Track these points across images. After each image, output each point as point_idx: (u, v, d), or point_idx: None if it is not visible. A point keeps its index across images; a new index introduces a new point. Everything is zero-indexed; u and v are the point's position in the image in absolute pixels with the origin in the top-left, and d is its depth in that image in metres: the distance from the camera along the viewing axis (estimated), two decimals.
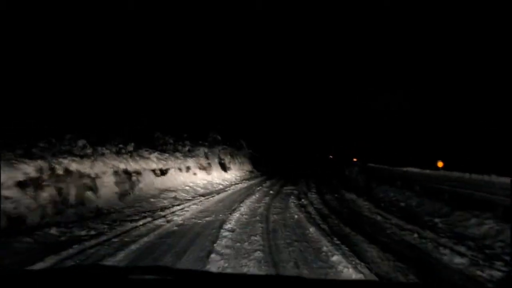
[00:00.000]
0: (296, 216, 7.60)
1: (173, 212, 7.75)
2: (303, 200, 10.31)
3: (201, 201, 9.89)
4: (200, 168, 16.01)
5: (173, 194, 10.96)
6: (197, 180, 14.70)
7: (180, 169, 13.87)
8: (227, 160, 21.84)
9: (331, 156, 35.59)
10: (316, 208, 8.87)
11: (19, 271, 3.18)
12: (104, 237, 5.34)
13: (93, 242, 5.09)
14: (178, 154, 14.55)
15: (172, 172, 13.11)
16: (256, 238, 5.43)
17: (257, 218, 7.21)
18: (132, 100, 16.62)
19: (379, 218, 7.66)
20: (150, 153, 12.26)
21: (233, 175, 20.58)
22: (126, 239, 5.29)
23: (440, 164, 16.42)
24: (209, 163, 17.56)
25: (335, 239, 5.48)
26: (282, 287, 1.57)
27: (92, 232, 5.67)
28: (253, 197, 10.64)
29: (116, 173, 9.82)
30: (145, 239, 5.31)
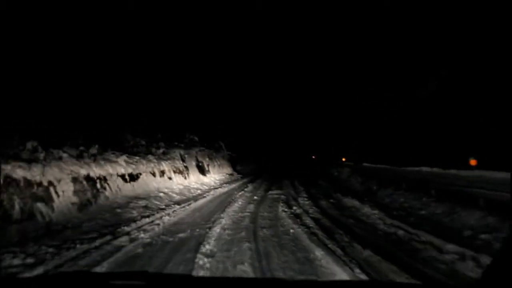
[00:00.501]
0: (292, 231, 6.18)
1: (140, 227, 6.48)
2: (294, 207, 8.95)
3: (175, 210, 8.64)
4: (176, 172, 14.69)
5: (144, 203, 9.64)
6: (173, 185, 13.40)
7: (153, 174, 12.53)
8: (205, 162, 20.57)
9: (313, 157, 34.77)
10: (314, 219, 7.42)
11: None
12: (40, 269, 4.05)
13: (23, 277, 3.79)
14: (151, 157, 13.19)
15: (143, 177, 11.76)
16: (244, 268, 4.15)
17: (243, 234, 5.90)
18: (100, 98, 15.09)
19: (401, 233, 5.96)
20: (118, 156, 10.89)
21: (212, 179, 19.33)
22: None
23: (473, 162, 14.51)
24: (186, 166, 16.26)
25: (357, 270, 3.98)
26: None
27: (28, 261, 4.37)
28: (235, 204, 9.42)
29: (75, 180, 8.44)
30: (96, 269, 4.05)
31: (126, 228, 6.30)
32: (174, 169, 14.64)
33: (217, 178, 20.24)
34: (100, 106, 14.89)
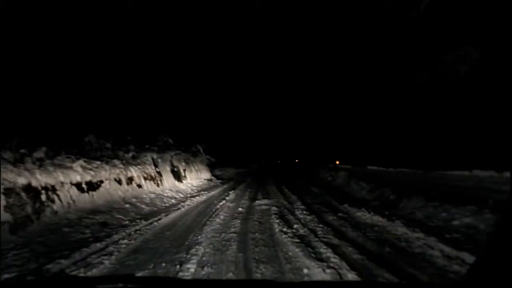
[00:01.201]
0: (306, 271, 4.15)
1: (84, 259, 4.73)
2: (295, 225, 6.75)
3: (139, 229, 6.90)
4: (147, 179, 12.90)
5: (102, 218, 7.86)
6: (143, 194, 11.62)
7: (118, 181, 10.72)
8: (181, 167, 18.79)
9: (296, 160, 33.43)
10: (332, 246, 5.18)
11: None
12: None
13: None
14: (116, 162, 11.36)
15: (106, 186, 9.95)
16: None
17: (229, 276, 3.95)
18: (61, 94, 13.17)
19: None
20: (74, 161, 9.05)
21: (189, 185, 17.57)
22: None
23: None
24: (159, 172, 14.46)
25: None
26: None
27: None
28: (217, 220, 7.65)
29: (10, 191, 6.59)
30: None
31: (64, 261, 4.54)
32: (145, 175, 12.84)
33: (195, 185, 18.49)
34: (60, 103, 12.96)
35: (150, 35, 18.86)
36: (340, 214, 8.08)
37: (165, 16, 20.72)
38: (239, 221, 7.50)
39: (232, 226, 6.89)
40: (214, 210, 9.18)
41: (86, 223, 7.25)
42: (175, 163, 17.91)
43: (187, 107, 22.40)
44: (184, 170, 19.43)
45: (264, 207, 9.49)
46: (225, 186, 18.02)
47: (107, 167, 10.33)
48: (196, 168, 22.74)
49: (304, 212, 8.39)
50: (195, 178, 20.61)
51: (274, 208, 9.11)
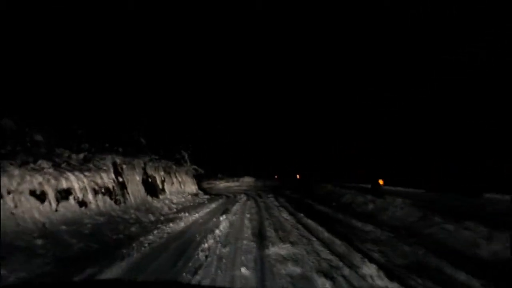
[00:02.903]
0: None
1: None
2: None
3: None
4: (99, 192, 8.65)
5: None
6: (85, 218, 7.37)
7: (38, 196, 6.47)
8: (158, 178, 14.54)
9: (298, 176, 29.21)
10: None
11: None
12: None
13: None
14: (45, 164, 7.13)
15: (7, 203, 5.70)
16: None
17: None
18: None
19: None
20: None
21: (167, 202, 13.29)
22: None
23: None
24: (121, 183, 10.23)
25: None
26: None
27: None
28: None
29: None
30: None
31: None
32: (97, 187, 8.59)
33: (175, 201, 14.21)
34: None
35: (143, 24, 15.20)
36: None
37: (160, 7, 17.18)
38: None
39: None
40: (197, 266, 4.89)
41: None
42: (150, 172, 13.67)
43: (174, 103, 18.19)
44: (163, 182, 15.18)
45: (294, 271, 4.37)
46: (214, 205, 13.76)
47: (16, 172, 6.08)
48: (180, 179, 18.47)
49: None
50: (177, 193, 16.33)
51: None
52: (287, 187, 23.59)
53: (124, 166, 10.71)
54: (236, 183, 34.61)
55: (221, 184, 34.57)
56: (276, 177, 34.39)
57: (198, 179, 25.80)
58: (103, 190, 8.81)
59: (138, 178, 11.75)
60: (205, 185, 32.52)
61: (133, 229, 7.78)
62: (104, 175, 9.16)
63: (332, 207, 10.26)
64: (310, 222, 7.77)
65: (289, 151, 33.55)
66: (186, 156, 18.69)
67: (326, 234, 6.40)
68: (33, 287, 2.34)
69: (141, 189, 11.77)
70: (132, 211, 9.68)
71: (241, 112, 36.14)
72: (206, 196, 18.24)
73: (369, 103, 21.81)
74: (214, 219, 9.09)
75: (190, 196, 16.64)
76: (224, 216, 9.30)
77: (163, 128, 16.06)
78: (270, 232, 6.88)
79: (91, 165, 9.11)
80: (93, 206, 7.99)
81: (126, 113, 11.86)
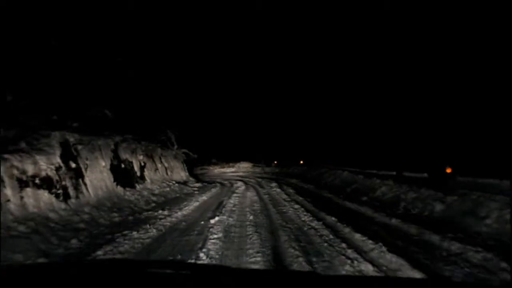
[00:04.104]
0: None
1: None
2: None
3: None
4: (31, 185, 5.82)
5: None
6: None
7: None
8: (136, 163, 11.71)
9: (301, 162, 26.41)
10: None
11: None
12: None
13: None
14: None
15: None
16: None
17: None
18: None
19: None
20: None
21: (145, 194, 10.56)
22: None
23: None
24: (75, 170, 7.40)
25: None
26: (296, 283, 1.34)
27: None
28: None
29: None
30: None
31: None
32: (25, 177, 5.75)
33: (156, 192, 11.46)
34: None
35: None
36: None
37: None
38: None
39: None
40: None
41: None
42: (124, 156, 10.83)
43: (159, 74, 15.05)
44: (142, 168, 12.37)
45: None
46: (205, 196, 11.01)
47: None
48: (166, 165, 15.68)
49: None
50: (161, 181, 13.55)
51: None
52: (290, 174, 20.75)
53: (80, 147, 7.85)
54: (232, 169, 31.87)
55: (215, 170, 31.82)
56: (275, 162, 31.59)
57: (190, 165, 23.06)
58: (37, 181, 5.97)
59: (103, 163, 8.91)
60: (198, 170, 29.74)
61: (73, 242, 5.01)
62: (41, 159, 6.30)
63: (369, 205, 7.34)
64: (364, 240, 4.66)
65: (289, 134, 30.67)
66: (173, 138, 15.80)
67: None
68: (30, 268, 2.10)
69: (108, 177, 8.94)
70: (87, 209, 6.89)
71: (238, 92, 33.09)
72: (197, 185, 15.48)
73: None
74: (202, 222, 6.31)
75: (177, 184, 13.85)
76: (217, 218, 6.50)
77: (144, 102, 13.06)
78: (296, 259, 4.04)
79: (23, 145, 6.25)
80: (11, 207, 5.16)
81: (88, 78, 8.89)
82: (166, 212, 7.71)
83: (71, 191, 6.93)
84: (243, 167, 32.06)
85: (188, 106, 20.52)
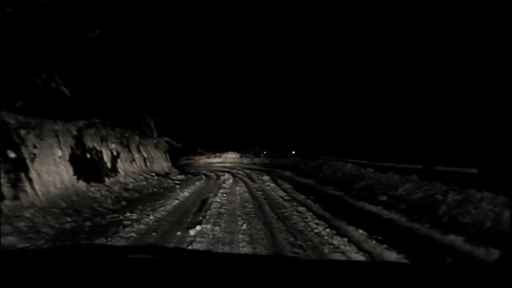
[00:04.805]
0: None
1: None
2: None
3: None
4: None
5: None
6: None
7: None
8: (107, 153, 10.01)
9: (293, 152, 24.76)
10: None
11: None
12: None
13: None
14: None
15: None
16: None
17: None
18: None
19: None
20: None
21: (117, 189, 8.96)
22: None
23: None
24: (17, 161, 5.69)
25: None
26: (282, 268, 1.34)
27: None
28: None
29: None
30: None
31: None
32: None
33: (130, 186, 9.84)
34: None
35: None
36: None
37: None
38: None
39: None
40: None
41: None
42: (91, 144, 9.10)
43: (135, 53, 13.11)
44: (115, 158, 10.68)
45: None
46: (187, 192, 9.43)
47: None
48: (145, 155, 13.98)
49: None
50: (138, 173, 11.90)
51: None
52: (282, 166, 19.20)
53: (24, 132, 6.12)
54: (218, 159, 30.25)
55: (201, 160, 30.16)
56: (264, 152, 29.96)
57: (175, 155, 21.38)
58: None
59: (60, 152, 7.20)
60: (184, 161, 28.07)
61: None
62: None
63: (395, 207, 5.72)
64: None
65: (280, 123, 28.90)
66: (152, 124, 14.06)
67: None
68: (28, 253, 2.14)
69: (66, 170, 7.26)
70: (28, 213, 5.25)
71: (225, 79, 31.17)
72: (180, 177, 13.86)
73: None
74: (179, 233, 4.71)
75: (157, 177, 12.22)
76: (198, 228, 4.89)
77: (121, 82, 11.20)
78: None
79: None
80: None
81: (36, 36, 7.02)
82: (134, 216, 6.12)
83: (5, 190, 5.26)
84: (230, 158, 30.48)
85: (173, 92, 18.64)
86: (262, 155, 29.96)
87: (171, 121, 18.46)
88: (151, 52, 14.72)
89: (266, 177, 12.50)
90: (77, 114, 8.14)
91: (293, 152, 23.88)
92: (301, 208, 6.28)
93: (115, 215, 6.30)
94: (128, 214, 6.27)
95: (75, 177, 7.51)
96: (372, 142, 14.83)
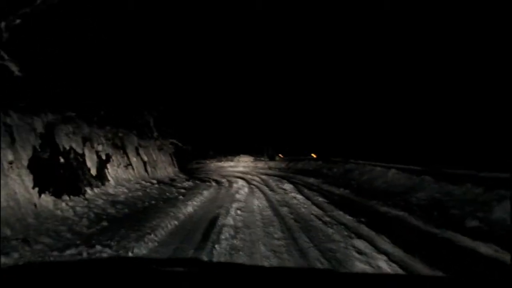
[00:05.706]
0: None
1: None
2: None
3: None
4: None
5: None
6: None
7: None
8: (91, 157, 7.99)
9: (314, 156, 22.52)
10: None
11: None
12: None
13: None
14: None
15: None
16: None
17: None
18: None
19: None
20: None
21: (101, 203, 6.97)
22: None
23: None
24: None
25: None
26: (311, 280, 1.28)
27: None
28: None
29: None
30: None
31: None
32: None
33: (121, 198, 7.83)
34: None
35: None
36: None
37: None
38: None
39: None
40: None
41: None
42: (66, 145, 7.10)
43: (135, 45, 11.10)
44: (104, 163, 8.68)
45: None
46: (191, 207, 7.35)
47: None
48: (146, 159, 12.01)
49: None
50: (135, 180, 9.91)
51: None
52: (302, 171, 16.93)
53: None
54: (230, 163, 28.13)
55: (212, 164, 28.10)
56: (280, 155, 27.73)
57: (184, 158, 19.50)
58: None
59: (11, 157, 5.18)
60: (193, 165, 26.13)
61: None
62: None
63: None
64: None
65: (297, 123, 26.65)
66: (152, 122, 12.02)
67: None
68: (33, 267, 1.97)
69: (21, 181, 5.24)
70: None
71: (237, 78, 29.12)
72: (187, 184, 11.79)
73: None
74: None
75: (157, 185, 10.20)
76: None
77: (116, 71, 9.19)
78: None
79: None
80: None
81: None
82: (109, 250, 4.06)
83: None
84: (243, 161, 28.35)
85: (182, 90, 16.68)
86: (277, 158, 27.77)
87: (180, 121, 16.58)
88: (153, 44, 12.71)
89: (287, 186, 10.29)
90: (44, 105, 6.15)
91: (314, 155, 21.61)
92: (357, 242, 4.04)
93: (80, 248, 4.25)
94: (98, 247, 4.21)
95: (36, 189, 5.50)
96: (409, 143, 12.67)
